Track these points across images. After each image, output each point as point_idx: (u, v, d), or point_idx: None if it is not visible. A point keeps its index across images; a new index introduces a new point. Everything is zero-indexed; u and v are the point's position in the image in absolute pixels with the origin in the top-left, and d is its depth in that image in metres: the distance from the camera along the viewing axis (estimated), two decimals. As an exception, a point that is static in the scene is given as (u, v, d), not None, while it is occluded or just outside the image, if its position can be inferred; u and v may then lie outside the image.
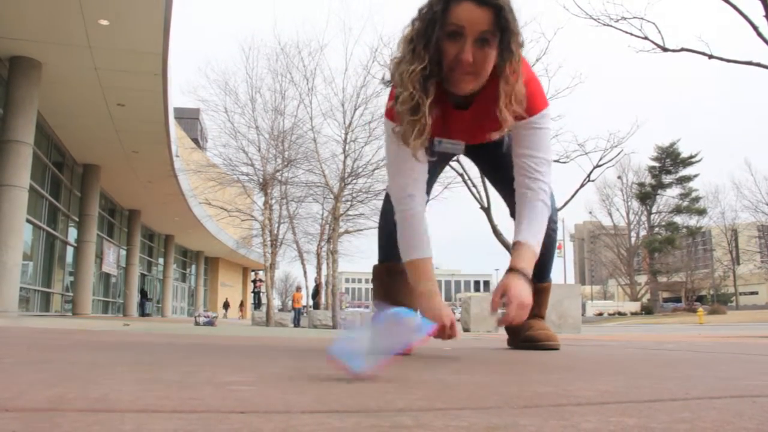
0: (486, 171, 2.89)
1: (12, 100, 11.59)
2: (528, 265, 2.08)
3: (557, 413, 0.83)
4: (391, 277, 2.55)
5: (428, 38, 1.94)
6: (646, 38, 12.65)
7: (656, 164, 58.57)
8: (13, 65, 11.75)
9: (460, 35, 1.91)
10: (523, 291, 1.99)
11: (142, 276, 29.83)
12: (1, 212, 11.14)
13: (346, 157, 17.85)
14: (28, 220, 13.14)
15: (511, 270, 2.06)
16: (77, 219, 19.76)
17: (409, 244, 2.17)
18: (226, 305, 42.68)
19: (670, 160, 58.38)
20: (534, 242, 2.14)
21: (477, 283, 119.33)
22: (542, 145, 2.19)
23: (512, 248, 2.19)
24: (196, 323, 13.84)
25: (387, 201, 2.49)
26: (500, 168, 2.51)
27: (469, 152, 2.55)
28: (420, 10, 1.98)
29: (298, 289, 23.38)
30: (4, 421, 0.66)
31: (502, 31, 1.92)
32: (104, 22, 10.62)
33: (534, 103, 2.13)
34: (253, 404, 0.86)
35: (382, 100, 19.48)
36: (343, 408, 0.84)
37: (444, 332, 1.98)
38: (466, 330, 11.56)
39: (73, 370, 1.25)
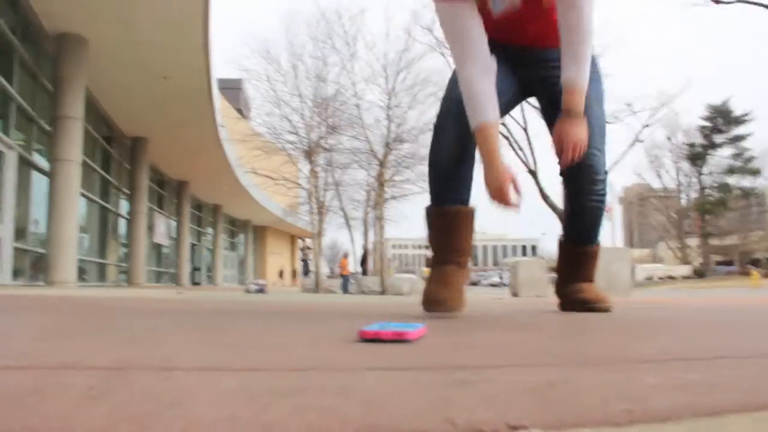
0: (545, 108, 2.66)
1: (61, 76, 11.82)
2: (578, 104, 2.20)
3: (618, 369, 0.82)
4: (443, 220, 2.43)
5: None
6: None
7: (707, 124, 56.71)
8: (60, 42, 11.96)
9: None
10: (575, 129, 2.19)
11: (192, 246, 30.41)
12: (57, 186, 11.45)
13: (390, 123, 17.79)
14: (81, 194, 13.48)
15: (564, 111, 2.21)
16: (128, 191, 20.18)
17: (470, 108, 2.19)
18: (281, 274, 43.40)
19: (722, 119, 56.44)
20: (581, 79, 2.19)
21: (524, 247, 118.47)
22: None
23: (562, 88, 2.24)
24: (247, 291, 14.10)
25: (436, 134, 2.42)
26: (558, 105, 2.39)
27: (530, 81, 2.54)
28: None
29: (345, 255, 23.56)
30: (81, 378, 0.68)
31: None
32: (146, -5, 10.72)
33: None
34: (311, 363, 0.87)
35: (423, 65, 19.31)
36: (403, 366, 0.85)
37: (500, 197, 2.13)
38: (515, 295, 11.53)
39: (134, 335, 1.29)
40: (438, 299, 2.24)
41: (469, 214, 2.43)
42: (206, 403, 0.55)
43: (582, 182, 2.48)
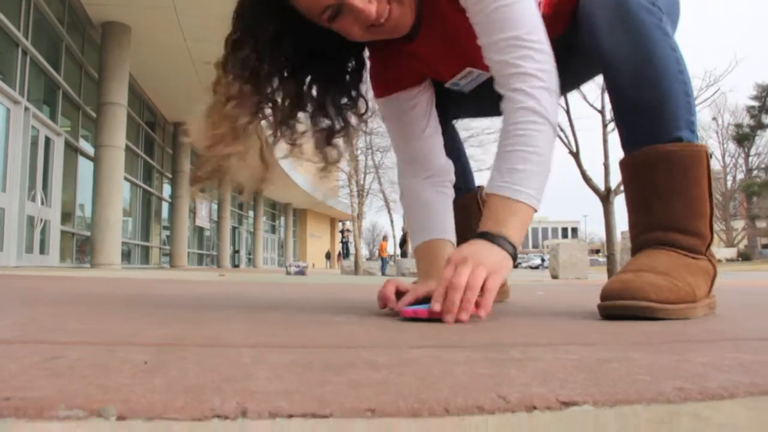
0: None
1: (106, 64, 12.04)
2: (501, 224, 1.25)
3: (668, 348, 0.81)
4: (460, 211, 1.86)
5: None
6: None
7: (755, 103, 55.02)
8: (105, 31, 12.17)
9: (331, 7, 1.37)
10: (481, 252, 1.21)
11: (233, 229, 30.80)
12: (102, 171, 11.70)
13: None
14: (125, 178, 13.75)
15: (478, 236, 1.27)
16: (170, 176, 20.52)
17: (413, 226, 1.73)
18: (328, 255, 43.77)
19: (771, 99, 54.87)
20: (510, 187, 1.27)
21: (565, 230, 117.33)
22: (499, 20, 1.33)
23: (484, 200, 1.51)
24: (287, 273, 14.24)
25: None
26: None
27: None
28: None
29: (385, 238, 23.64)
30: (135, 353, 0.70)
31: None
32: (187, -19, 10.82)
33: None
34: (360, 340, 0.88)
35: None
36: (451, 343, 0.85)
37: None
38: (554, 277, 11.44)
39: (181, 314, 1.32)
40: None
41: (472, 200, 2.04)
42: (261, 378, 0.56)
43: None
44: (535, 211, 1.29)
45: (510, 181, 1.27)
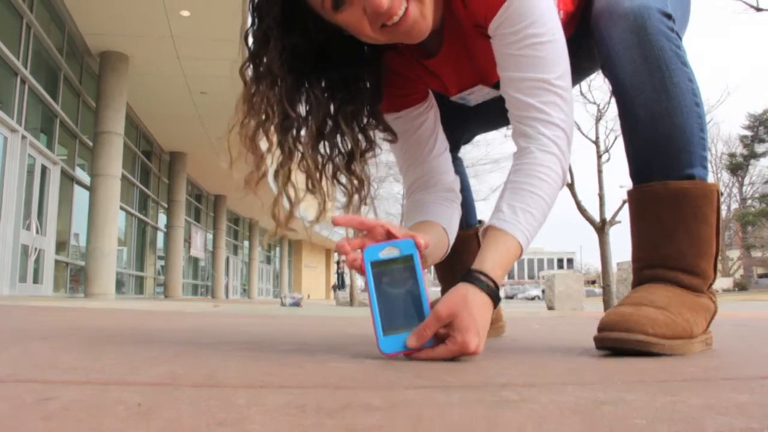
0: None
1: (103, 93, 12.10)
2: (494, 266, 1.19)
3: (664, 389, 0.81)
4: (453, 246, 1.67)
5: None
6: (737, -1, 12.03)
7: (748, 133, 55.67)
8: (103, 60, 12.25)
9: None
10: (476, 314, 1.12)
11: (228, 259, 30.70)
12: (97, 200, 11.69)
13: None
14: (121, 207, 13.73)
15: (468, 274, 1.18)
16: (166, 205, 20.50)
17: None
18: (335, 288, 43.73)
19: (763, 128, 55.35)
20: (517, 227, 1.23)
21: (560, 260, 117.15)
22: (530, 57, 1.28)
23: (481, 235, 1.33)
24: (282, 304, 14.17)
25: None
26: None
27: None
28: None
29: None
30: (128, 394, 0.69)
31: None
32: (185, 13, 10.93)
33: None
34: (356, 380, 0.87)
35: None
36: (445, 384, 0.85)
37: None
38: (550, 308, 11.40)
39: (176, 350, 1.31)
40: None
41: (471, 237, 1.98)
42: (256, 421, 0.56)
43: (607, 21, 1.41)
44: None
45: (524, 224, 1.24)
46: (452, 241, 1.59)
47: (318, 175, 1.44)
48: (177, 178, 20.46)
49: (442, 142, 1.67)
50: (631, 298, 1.32)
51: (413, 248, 1.17)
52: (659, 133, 1.35)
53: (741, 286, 49.50)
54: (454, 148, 1.95)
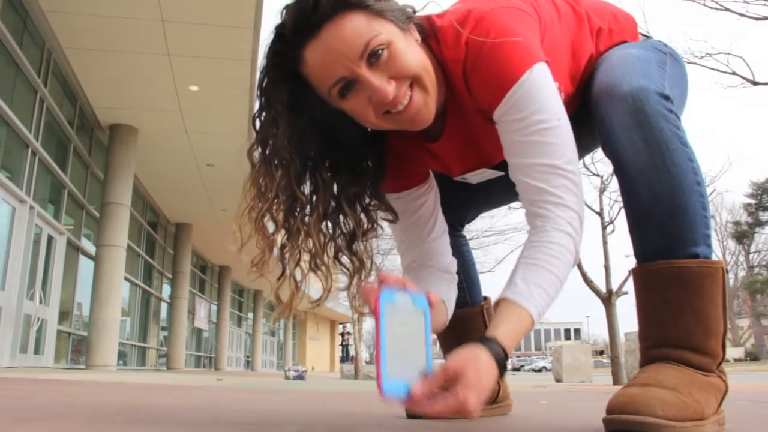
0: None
1: (112, 164, 12.27)
2: (507, 336, 1.17)
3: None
4: (459, 323, 1.74)
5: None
6: (734, 73, 12.23)
7: (752, 201, 55.79)
8: (112, 132, 12.48)
9: (344, 79, 1.29)
10: (482, 375, 1.09)
11: (231, 331, 30.43)
12: (102, 271, 11.68)
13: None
14: (125, 278, 13.71)
15: (481, 339, 1.16)
16: (170, 276, 20.47)
17: None
18: (352, 359, 43.28)
19: (767, 197, 55.52)
20: (530, 300, 1.22)
21: (567, 331, 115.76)
22: (538, 143, 1.31)
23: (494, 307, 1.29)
24: (286, 377, 13.96)
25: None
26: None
27: None
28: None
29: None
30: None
31: (377, 15, 1.28)
32: (194, 88, 11.18)
33: (500, 78, 1.32)
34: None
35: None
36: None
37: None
38: (558, 381, 11.19)
39: (180, 429, 1.27)
40: None
41: (476, 315, 1.93)
42: None
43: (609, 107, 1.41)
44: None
45: (537, 298, 1.23)
46: (449, 316, 1.59)
47: (322, 254, 1.45)
48: (182, 249, 20.50)
49: (441, 224, 1.68)
50: (640, 378, 1.30)
51: (426, 304, 1.16)
52: (662, 213, 1.35)
53: (753, 356, 48.62)
54: (458, 227, 1.96)
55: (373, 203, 1.53)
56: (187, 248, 20.68)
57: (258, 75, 1.39)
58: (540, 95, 1.30)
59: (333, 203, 1.47)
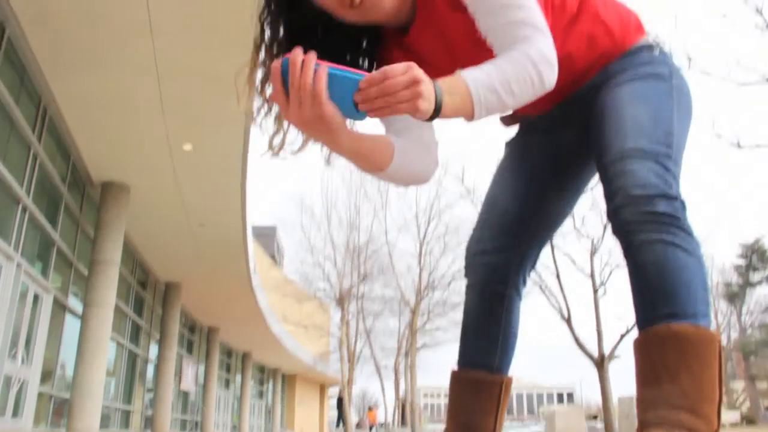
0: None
1: (102, 222, 12.20)
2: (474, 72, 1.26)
3: None
4: (459, 387, 1.73)
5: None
6: (719, 136, 12.53)
7: (742, 262, 55.88)
8: (104, 190, 12.43)
9: None
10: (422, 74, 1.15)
11: (218, 394, 29.84)
12: (88, 331, 11.45)
13: (421, 270, 17.90)
14: (112, 338, 13.47)
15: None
16: (158, 336, 20.15)
17: None
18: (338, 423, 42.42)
19: (756, 257, 55.61)
20: (477, 88, 1.25)
21: (560, 395, 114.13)
22: (508, 8, 1.37)
23: None
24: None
25: (467, 295, 1.79)
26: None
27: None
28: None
29: (370, 408, 23.06)
30: None
31: None
32: (188, 147, 11.22)
33: None
34: None
35: (454, 212, 19.66)
36: None
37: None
38: (552, 448, 10.93)
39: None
40: None
41: (494, 385, 1.72)
42: None
43: (619, 207, 1.43)
44: (471, 118, 1.27)
45: (483, 86, 1.26)
46: (397, 158, 1.45)
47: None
48: (171, 310, 20.22)
49: (432, 140, 1.59)
50: None
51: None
52: (666, 286, 1.38)
53: (749, 419, 47.68)
54: (525, 277, 1.81)
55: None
56: (176, 308, 20.42)
57: None
58: None
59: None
